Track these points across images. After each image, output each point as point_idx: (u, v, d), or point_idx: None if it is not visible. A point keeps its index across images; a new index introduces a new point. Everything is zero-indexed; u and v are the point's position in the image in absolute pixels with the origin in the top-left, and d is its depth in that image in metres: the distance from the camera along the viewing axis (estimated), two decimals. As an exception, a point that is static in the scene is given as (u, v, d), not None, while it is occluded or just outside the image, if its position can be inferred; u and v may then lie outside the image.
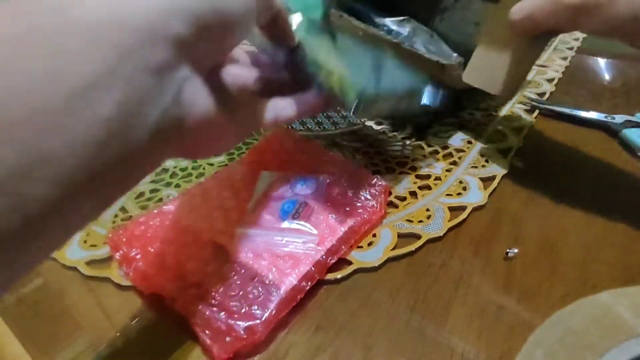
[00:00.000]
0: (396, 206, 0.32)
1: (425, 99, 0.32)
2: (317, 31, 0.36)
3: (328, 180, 0.32)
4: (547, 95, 0.49)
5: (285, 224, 0.29)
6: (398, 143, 0.40)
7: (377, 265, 0.28)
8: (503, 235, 0.30)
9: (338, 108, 0.30)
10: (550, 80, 0.52)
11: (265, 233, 0.28)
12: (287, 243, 0.28)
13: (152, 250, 0.27)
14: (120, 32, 0.15)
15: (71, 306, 0.26)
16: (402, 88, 0.32)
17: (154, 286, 0.25)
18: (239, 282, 0.25)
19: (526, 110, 0.46)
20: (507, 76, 0.33)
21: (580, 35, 0.63)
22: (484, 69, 0.35)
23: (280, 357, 0.23)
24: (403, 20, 0.42)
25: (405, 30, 0.41)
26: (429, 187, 0.34)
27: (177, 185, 0.36)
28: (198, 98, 0.19)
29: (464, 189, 0.34)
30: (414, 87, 0.33)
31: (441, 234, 0.30)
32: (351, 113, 0.29)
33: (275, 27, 0.24)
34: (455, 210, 0.32)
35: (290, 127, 0.42)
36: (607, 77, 0.55)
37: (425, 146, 0.39)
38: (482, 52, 0.34)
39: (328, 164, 0.34)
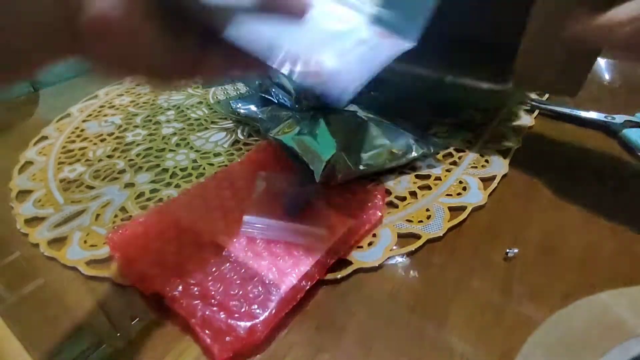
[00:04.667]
0: (396, 206, 0.32)
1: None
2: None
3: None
4: (547, 95, 0.49)
5: (291, 220, 0.29)
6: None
7: (377, 265, 0.28)
8: (503, 235, 0.30)
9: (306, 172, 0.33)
10: (550, 80, 0.52)
11: (273, 222, 0.29)
12: (294, 235, 0.28)
13: (152, 250, 0.27)
14: None
15: (71, 306, 0.26)
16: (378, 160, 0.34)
17: (154, 286, 0.25)
18: (239, 282, 0.25)
19: (526, 110, 0.46)
20: (577, 76, 0.33)
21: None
22: (542, 72, 0.34)
23: (280, 357, 0.23)
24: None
25: None
26: (429, 187, 0.34)
27: (177, 185, 0.36)
28: None
29: (464, 189, 0.34)
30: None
31: (441, 234, 0.30)
32: (318, 180, 0.31)
33: None
34: (455, 210, 0.32)
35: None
36: (607, 77, 0.55)
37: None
38: (533, 51, 0.33)
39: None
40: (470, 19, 0.45)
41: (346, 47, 0.25)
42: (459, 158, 0.38)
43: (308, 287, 0.26)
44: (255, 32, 0.21)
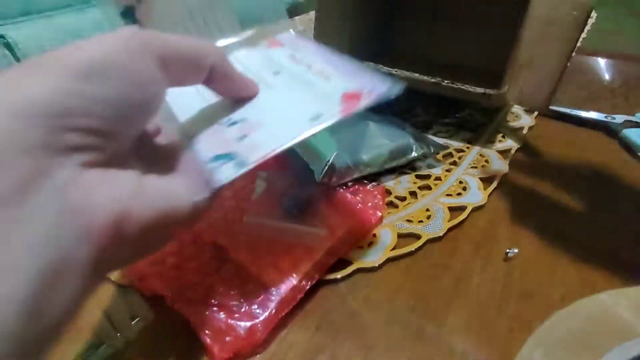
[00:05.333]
0: (396, 206, 0.32)
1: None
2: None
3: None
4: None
5: (291, 220, 0.29)
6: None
7: (377, 265, 0.28)
8: (503, 235, 0.30)
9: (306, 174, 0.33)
10: (550, 80, 0.52)
11: (273, 222, 0.29)
12: (294, 235, 0.28)
13: (152, 250, 0.27)
14: None
15: (71, 306, 0.26)
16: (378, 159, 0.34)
17: (154, 286, 0.25)
18: (238, 282, 0.25)
19: (526, 110, 0.46)
20: (551, 91, 0.35)
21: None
22: (527, 88, 0.36)
23: (280, 357, 0.23)
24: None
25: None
26: (429, 187, 0.34)
27: (177, 185, 0.36)
28: (97, 199, 0.16)
29: (464, 189, 0.34)
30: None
31: (441, 234, 0.30)
32: (318, 180, 0.32)
33: (218, 82, 0.22)
34: (455, 210, 0.32)
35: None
36: (606, 77, 0.55)
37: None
38: (519, 67, 0.35)
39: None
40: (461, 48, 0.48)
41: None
42: (459, 158, 0.38)
43: (308, 287, 0.26)
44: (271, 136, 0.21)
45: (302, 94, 0.24)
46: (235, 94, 0.24)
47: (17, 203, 0.13)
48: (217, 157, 0.20)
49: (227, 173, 0.19)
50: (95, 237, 0.15)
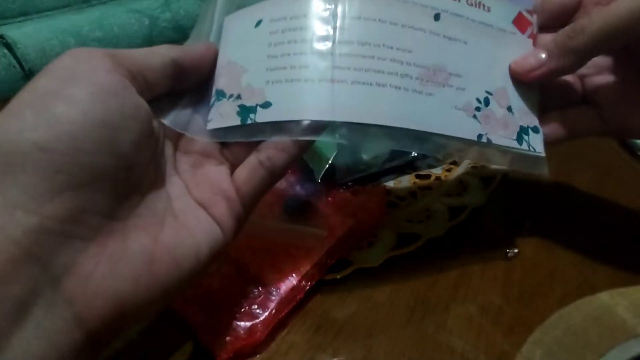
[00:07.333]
0: (396, 206, 0.32)
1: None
2: None
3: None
4: (547, 95, 0.49)
5: (291, 220, 0.29)
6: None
7: (377, 265, 0.28)
8: (503, 235, 0.30)
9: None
10: (550, 80, 0.52)
11: (273, 222, 0.29)
12: (294, 235, 0.28)
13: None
14: None
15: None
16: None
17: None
18: (239, 282, 0.25)
19: (526, 110, 0.46)
20: None
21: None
22: None
23: (280, 357, 0.23)
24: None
25: None
26: (429, 187, 0.34)
27: (177, 185, 0.36)
28: (95, 289, 0.14)
29: (464, 188, 0.34)
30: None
31: (441, 234, 0.30)
32: (318, 180, 0.32)
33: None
34: (455, 210, 0.32)
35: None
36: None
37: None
38: None
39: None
40: None
41: None
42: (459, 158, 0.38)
43: (308, 287, 0.26)
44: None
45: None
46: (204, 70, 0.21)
47: (16, 320, 0.13)
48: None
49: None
50: (90, 326, 0.14)
